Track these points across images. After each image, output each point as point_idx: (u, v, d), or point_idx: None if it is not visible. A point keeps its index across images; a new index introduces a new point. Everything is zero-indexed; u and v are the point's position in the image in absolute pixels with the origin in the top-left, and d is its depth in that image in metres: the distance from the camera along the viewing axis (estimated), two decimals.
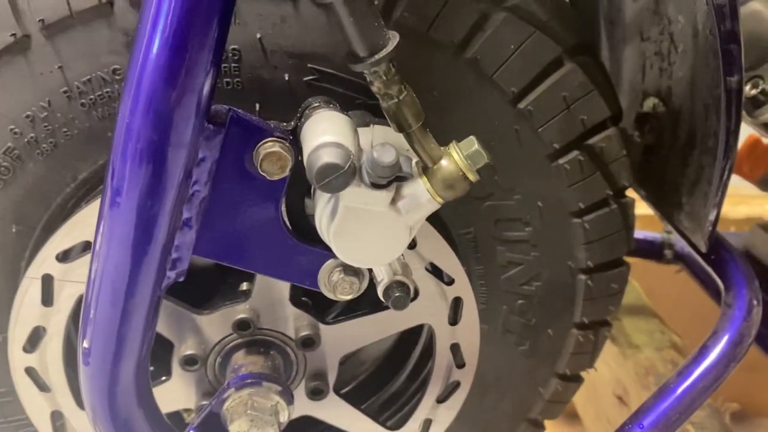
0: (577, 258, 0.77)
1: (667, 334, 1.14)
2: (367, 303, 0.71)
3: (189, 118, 0.47)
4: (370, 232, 0.56)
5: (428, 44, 0.63)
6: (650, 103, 0.90)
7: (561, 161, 0.71)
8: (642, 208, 0.88)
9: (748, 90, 0.81)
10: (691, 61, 0.77)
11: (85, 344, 0.55)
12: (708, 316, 0.88)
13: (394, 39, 0.49)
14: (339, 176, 0.49)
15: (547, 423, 0.92)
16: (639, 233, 1.30)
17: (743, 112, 0.82)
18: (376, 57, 0.48)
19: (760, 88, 0.80)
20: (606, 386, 1.13)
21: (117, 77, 0.60)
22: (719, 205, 0.74)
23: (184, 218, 0.53)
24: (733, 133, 0.70)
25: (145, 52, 0.46)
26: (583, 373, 0.89)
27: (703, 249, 0.78)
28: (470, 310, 0.73)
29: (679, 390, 0.74)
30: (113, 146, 0.48)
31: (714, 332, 0.76)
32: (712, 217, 0.75)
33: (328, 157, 0.49)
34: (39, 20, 0.58)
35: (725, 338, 0.75)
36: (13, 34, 0.59)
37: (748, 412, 1.45)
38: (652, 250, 1.30)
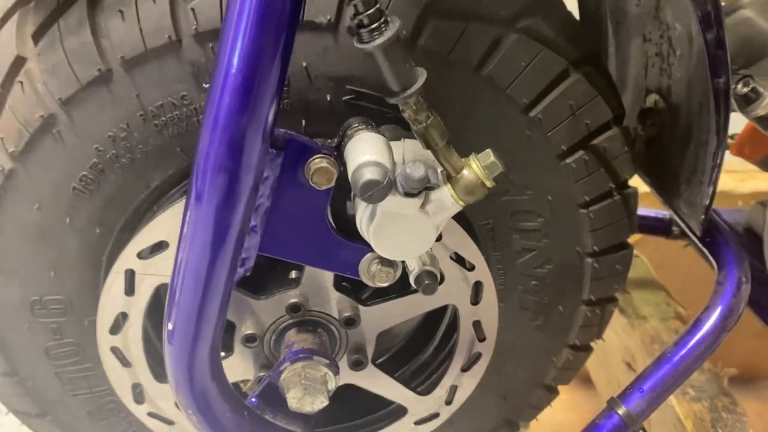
0: (584, 243, 0.85)
1: (672, 305, 1.24)
2: (400, 286, 0.81)
3: (256, 146, 0.57)
4: (403, 230, 0.66)
5: (449, 65, 0.72)
6: (652, 99, 0.97)
7: (568, 160, 0.79)
8: None
9: (741, 88, 0.88)
10: (687, 64, 0.85)
11: (170, 326, 0.66)
12: None
13: (422, 77, 0.58)
14: (378, 190, 0.59)
15: (563, 387, 1.02)
16: (649, 211, 1.39)
17: (739, 108, 0.91)
18: (407, 93, 0.57)
19: (751, 86, 0.88)
20: (616, 353, 1.23)
21: (185, 102, 0.70)
22: (712, 195, 0.83)
23: (252, 225, 0.64)
24: (723, 128, 0.79)
25: (220, 93, 0.56)
26: (594, 343, 0.99)
27: (698, 233, 0.87)
28: (489, 292, 0.83)
29: (675, 358, 0.84)
30: (194, 168, 0.59)
31: (707, 307, 0.86)
32: (705, 203, 0.84)
33: (369, 174, 0.59)
34: (120, 56, 0.68)
35: (716, 312, 0.84)
36: (99, 69, 0.68)
37: (752, 374, 1.55)
38: (660, 227, 1.39)
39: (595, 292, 0.90)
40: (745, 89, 0.88)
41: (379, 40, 0.54)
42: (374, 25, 0.54)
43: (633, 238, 1.54)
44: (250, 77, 0.55)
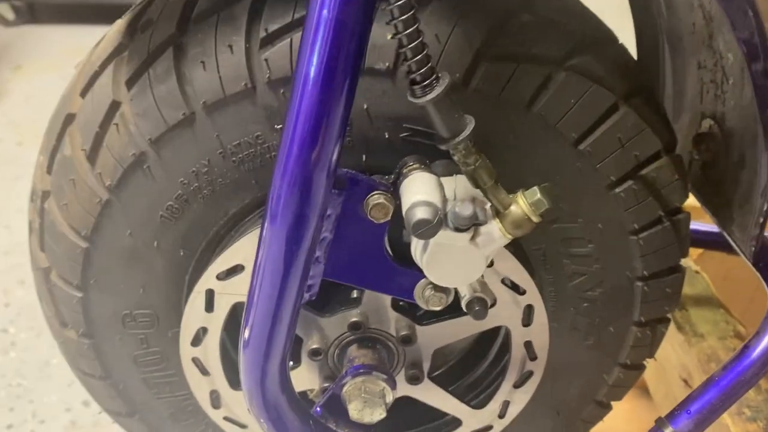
0: (634, 268, 0.88)
1: (731, 323, 1.24)
2: (454, 308, 0.87)
3: (321, 187, 0.64)
4: (454, 261, 0.72)
5: (501, 104, 0.76)
6: (707, 123, 0.99)
7: (617, 190, 0.83)
8: None
9: None
10: (740, 93, 0.86)
11: (245, 337, 0.74)
12: None
13: (470, 125, 0.63)
14: (429, 228, 0.65)
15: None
16: (711, 227, 1.39)
17: None
18: (457, 140, 0.63)
19: None
20: (673, 370, 1.24)
21: (259, 141, 0.77)
22: (762, 225, 0.85)
23: (316, 256, 0.71)
24: None
25: (290, 140, 0.63)
26: (653, 359, 1.01)
27: (750, 260, 0.89)
28: (540, 314, 0.87)
29: (723, 383, 0.86)
30: (266, 208, 0.66)
31: (757, 332, 0.87)
32: (755, 233, 0.85)
33: (421, 213, 0.64)
34: (202, 101, 0.76)
35: (765, 339, 0.86)
36: (183, 113, 0.76)
37: None
38: (723, 242, 1.38)
39: (646, 313, 0.92)
40: None
41: (430, 96, 0.60)
42: (426, 82, 0.60)
43: (695, 253, 1.54)
44: (316, 126, 0.61)
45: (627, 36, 1.08)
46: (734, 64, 0.86)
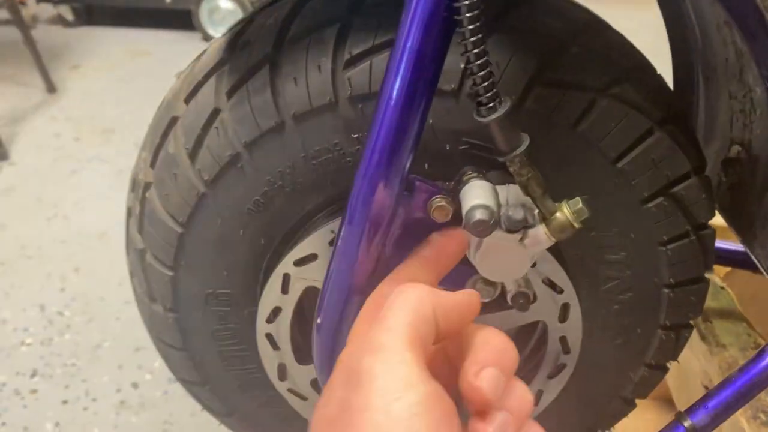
0: (661, 275, 0.97)
1: (753, 336, 1.32)
2: (499, 302, 0.97)
3: (394, 192, 0.75)
4: (503, 258, 0.82)
5: (550, 124, 0.86)
6: (735, 149, 1.08)
7: (649, 205, 0.91)
8: None
9: None
10: (766, 123, 0.96)
11: (319, 321, 0.85)
12: None
13: (526, 141, 0.74)
14: (486, 228, 0.75)
15: (647, 404, 1.14)
16: (739, 246, 1.48)
17: None
18: (513, 154, 0.74)
19: None
20: (696, 377, 1.33)
21: (337, 148, 0.88)
22: None
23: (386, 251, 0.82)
24: None
25: (371, 151, 0.74)
26: (677, 366, 1.09)
27: None
28: (575, 312, 0.97)
29: (739, 383, 0.95)
30: (347, 206, 0.78)
31: None
32: None
33: (479, 215, 0.75)
34: (292, 112, 0.87)
35: None
36: (275, 121, 0.87)
37: None
38: (749, 261, 1.47)
39: (671, 318, 1.01)
40: None
41: (494, 116, 0.71)
42: (491, 104, 0.71)
43: (723, 270, 1.63)
44: (395, 139, 0.73)
45: (664, 58, 1.19)
46: (761, 96, 0.95)
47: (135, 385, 2.34)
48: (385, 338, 0.55)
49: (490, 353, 0.59)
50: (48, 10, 6.27)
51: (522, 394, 0.59)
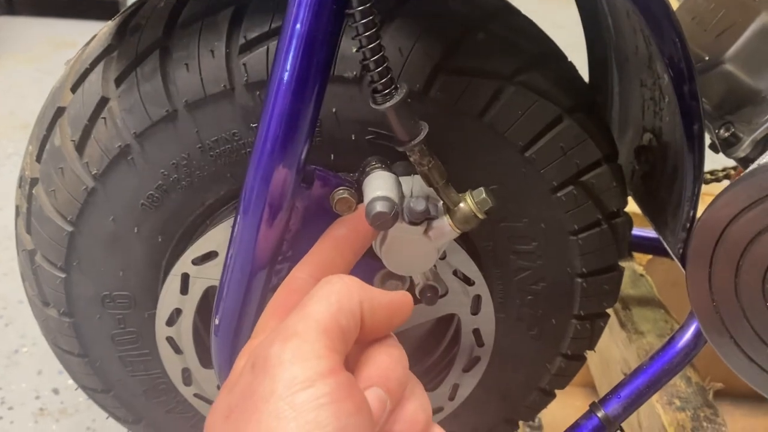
0: (574, 265, 0.96)
1: (670, 322, 1.34)
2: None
3: (290, 183, 0.72)
4: (409, 251, 0.80)
5: (455, 113, 0.84)
6: (647, 137, 1.09)
7: (559, 194, 0.90)
8: None
9: (722, 133, 0.99)
10: (674, 111, 0.96)
11: (216, 321, 0.81)
12: None
13: (425, 130, 0.71)
14: (387, 220, 0.72)
15: (575, 391, 1.13)
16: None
17: (722, 150, 1.01)
18: (413, 143, 0.71)
19: (731, 131, 0.98)
20: (616, 364, 1.34)
21: (235, 137, 0.84)
22: (689, 230, 0.94)
23: (284, 248, 0.78)
24: (697, 168, 0.90)
25: (263, 140, 0.70)
26: (599, 353, 1.09)
27: (679, 261, 0.98)
28: (487, 304, 0.95)
29: (650, 371, 0.95)
30: (240, 199, 0.73)
31: (681, 327, 0.96)
32: (682, 236, 0.95)
33: (379, 207, 0.72)
34: (184, 100, 0.82)
35: (689, 332, 0.95)
36: (167, 110, 0.82)
37: (742, 392, 1.61)
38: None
39: (585, 308, 1.01)
40: (726, 134, 0.99)
41: (390, 103, 0.68)
42: (386, 91, 0.68)
43: (644, 258, 1.65)
44: (287, 126, 0.69)
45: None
46: (668, 84, 0.95)
47: (56, 391, 2.24)
48: (300, 326, 0.51)
49: (375, 371, 0.55)
50: None
51: (411, 415, 0.56)
